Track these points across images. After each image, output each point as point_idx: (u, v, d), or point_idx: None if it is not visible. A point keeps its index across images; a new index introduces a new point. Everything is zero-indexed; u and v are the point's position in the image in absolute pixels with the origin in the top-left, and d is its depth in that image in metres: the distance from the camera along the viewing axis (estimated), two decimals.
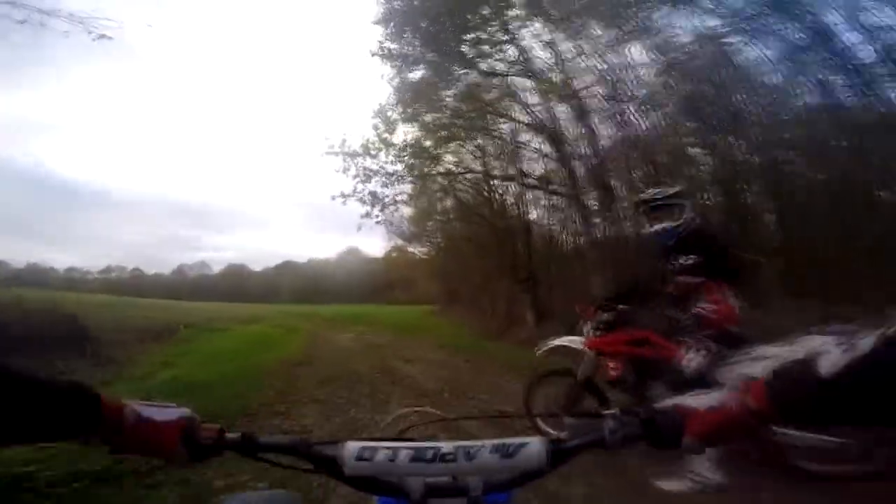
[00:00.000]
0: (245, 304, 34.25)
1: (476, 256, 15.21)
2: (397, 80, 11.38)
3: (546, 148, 10.13)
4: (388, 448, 0.56)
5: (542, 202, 11.97)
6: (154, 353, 7.72)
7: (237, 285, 62.82)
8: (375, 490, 0.61)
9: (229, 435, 0.60)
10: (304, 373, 5.91)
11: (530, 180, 11.11)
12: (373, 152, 11.48)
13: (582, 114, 8.92)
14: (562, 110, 9.34)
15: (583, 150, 9.26)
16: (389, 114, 11.47)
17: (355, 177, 11.33)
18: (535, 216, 12.18)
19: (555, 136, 9.40)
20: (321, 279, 61.90)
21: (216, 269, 74.96)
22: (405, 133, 11.52)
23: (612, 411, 0.61)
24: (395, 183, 11.93)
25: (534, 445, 0.56)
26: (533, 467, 0.56)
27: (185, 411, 0.60)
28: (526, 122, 10.24)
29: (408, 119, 11.46)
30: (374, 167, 11.44)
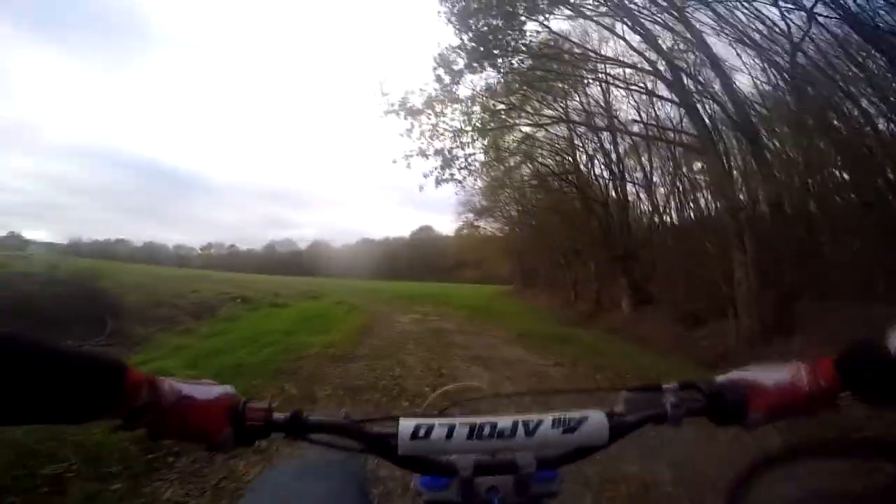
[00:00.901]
0: (322, 278, 35.61)
1: (560, 231, 13.30)
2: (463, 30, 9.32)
3: (661, 89, 7.62)
4: (444, 424, 0.52)
5: (647, 160, 9.63)
6: (187, 330, 6.87)
7: (320, 260, 67.84)
8: (424, 469, 0.59)
9: (277, 415, 0.54)
10: (336, 373, 4.46)
11: (636, 130, 8.73)
12: (437, 107, 9.76)
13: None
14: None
15: (716, 88, 6.62)
16: (453, 59, 9.54)
17: (419, 136, 9.78)
18: (638, 178, 9.90)
19: (672, 65, 6.78)
20: (395, 256, 63.83)
21: (302, 245, 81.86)
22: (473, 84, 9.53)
23: (673, 384, 0.57)
24: (465, 145, 10.13)
25: (595, 419, 0.53)
26: (591, 442, 0.53)
27: (228, 389, 0.54)
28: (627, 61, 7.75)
29: (475, 63, 9.37)
30: (441, 126, 9.76)
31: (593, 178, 11.02)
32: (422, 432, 0.51)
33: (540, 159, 12.14)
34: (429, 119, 9.90)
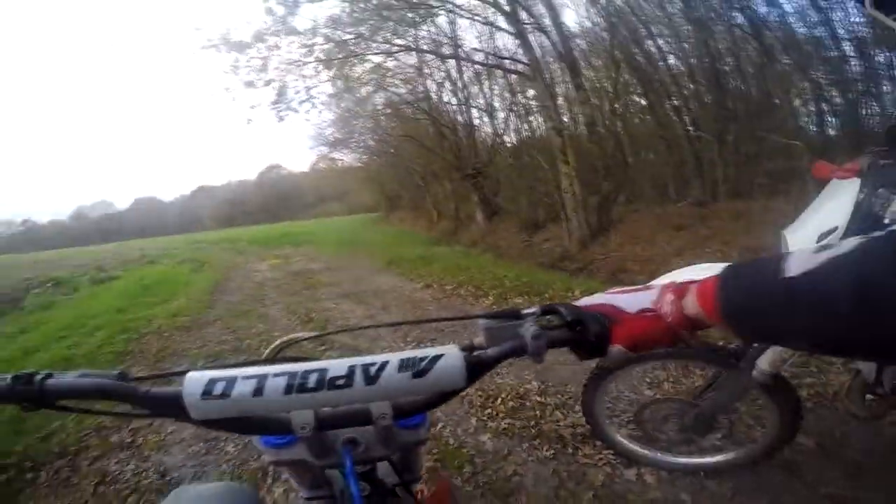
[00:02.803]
0: (156, 238, 30.65)
1: (416, 157, 13.45)
2: None
3: (500, 21, 7.69)
4: (250, 377, 0.41)
5: (488, 87, 10.02)
6: None
7: (150, 219, 58.42)
8: (246, 429, 0.48)
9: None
10: (189, 344, 4.03)
11: (478, 59, 8.85)
12: (268, 40, 8.49)
13: None
14: None
15: (545, 22, 7.00)
16: None
17: (248, 68, 8.53)
18: (481, 104, 10.33)
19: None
20: (244, 201, 57.67)
21: (121, 205, 68.17)
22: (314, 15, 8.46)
23: (533, 308, 0.52)
24: (306, 77, 9.17)
25: (450, 358, 0.44)
26: (447, 386, 0.45)
27: None
28: None
29: None
30: (276, 59, 8.59)
31: (442, 104, 11.22)
32: (218, 389, 0.39)
33: (392, 88, 11.91)
34: (259, 53, 8.71)
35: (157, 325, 4.68)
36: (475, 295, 4.77)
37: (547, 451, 1.84)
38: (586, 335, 0.48)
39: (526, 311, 0.51)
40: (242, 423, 0.46)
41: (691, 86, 6.13)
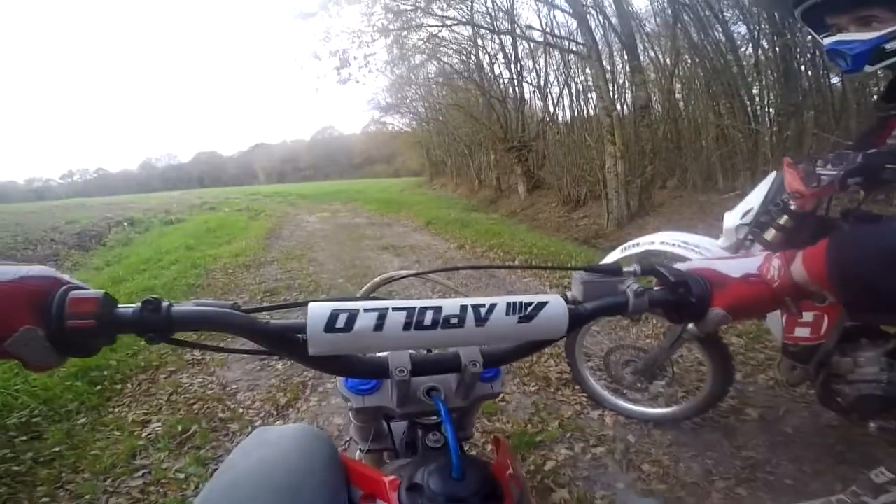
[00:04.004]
0: (215, 189, 32.62)
1: (464, 126, 13.65)
2: None
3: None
4: (372, 310, 0.38)
5: (543, 63, 9.90)
6: (76, 265, 6.29)
7: (209, 171, 61.52)
8: (345, 371, 0.45)
9: (122, 308, 0.37)
10: (250, 280, 4.58)
11: (534, 36, 8.82)
12: (333, 9, 9.04)
13: None
14: None
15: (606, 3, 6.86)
16: None
17: (312, 38, 9.42)
18: (532, 81, 10.32)
19: None
20: (296, 158, 59.71)
21: (184, 158, 73.01)
22: None
23: (633, 267, 0.50)
24: (365, 44, 9.76)
25: (554, 307, 0.42)
26: (548, 334, 0.43)
27: (39, 269, 0.36)
28: None
29: None
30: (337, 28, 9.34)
31: (494, 77, 11.23)
32: (340, 322, 0.38)
33: (445, 58, 12.06)
34: (323, 22, 9.28)
35: (222, 263, 5.24)
36: (502, 259, 5.08)
37: (533, 387, 2.19)
38: (689, 297, 0.48)
39: (626, 269, 0.50)
40: (347, 364, 0.44)
41: (757, 77, 5.85)
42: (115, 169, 71.95)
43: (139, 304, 0.36)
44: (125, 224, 9.93)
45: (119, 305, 0.37)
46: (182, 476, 1.65)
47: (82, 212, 12.34)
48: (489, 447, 1.62)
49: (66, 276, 0.37)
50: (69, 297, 0.35)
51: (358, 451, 0.67)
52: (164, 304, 0.37)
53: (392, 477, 0.42)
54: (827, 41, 1.05)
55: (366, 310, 0.39)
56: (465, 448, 0.55)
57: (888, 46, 0.96)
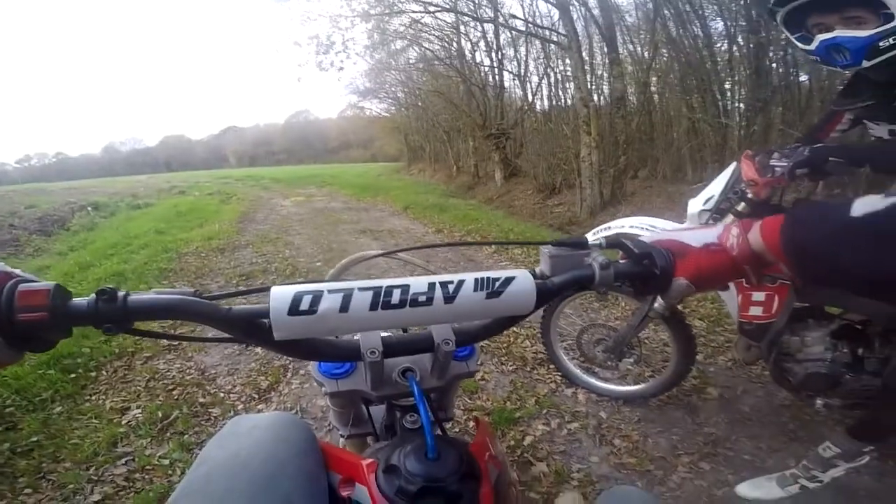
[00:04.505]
0: (184, 172, 31.50)
1: (443, 112, 13.58)
2: None
3: None
4: (336, 291, 0.37)
5: (524, 52, 9.89)
6: (38, 250, 6.01)
7: (177, 155, 59.47)
8: (314, 355, 0.44)
9: (77, 300, 0.35)
10: (224, 264, 4.50)
11: (516, 25, 8.78)
12: None
13: None
14: None
15: None
16: None
17: (290, 22, 9.10)
18: (514, 68, 10.32)
19: None
20: (270, 142, 58.10)
21: (150, 142, 69.66)
22: None
23: (599, 239, 0.51)
24: (345, 30, 9.77)
25: (521, 282, 0.42)
26: (516, 309, 0.43)
27: None
28: None
29: None
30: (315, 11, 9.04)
31: (475, 64, 11.18)
32: (304, 304, 0.37)
33: (426, 45, 11.88)
34: (300, 5, 9.10)
35: (194, 247, 5.12)
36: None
37: (511, 367, 2.28)
38: (653, 268, 0.48)
39: (592, 242, 0.51)
40: (317, 348, 0.44)
41: (730, 73, 6.02)
42: (75, 153, 68.26)
43: (93, 295, 0.35)
44: (89, 209, 9.51)
45: (73, 297, 0.36)
46: (167, 462, 1.66)
47: (42, 196, 11.72)
48: (472, 426, 1.69)
49: (17, 270, 0.36)
50: (18, 289, 0.33)
51: (340, 437, 0.68)
52: (121, 293, 0.36)
53: (370, 460, 0.43)
54: (823, 36, 1.11)
55: (330, 291, 0.38)
56: (448, 428, 0.54)
57: (881, 44, 1.03)
